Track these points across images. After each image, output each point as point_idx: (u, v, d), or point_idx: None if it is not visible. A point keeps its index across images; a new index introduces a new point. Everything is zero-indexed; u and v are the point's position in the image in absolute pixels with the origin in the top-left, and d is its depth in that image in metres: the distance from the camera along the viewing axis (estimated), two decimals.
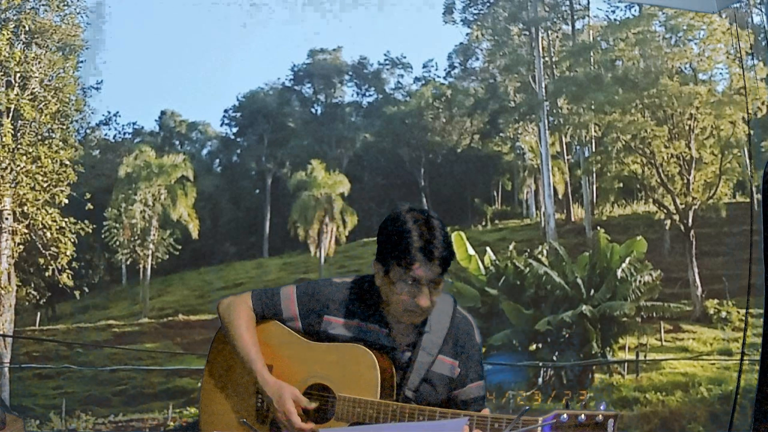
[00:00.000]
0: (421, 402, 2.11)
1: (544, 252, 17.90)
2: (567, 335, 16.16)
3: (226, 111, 29.75)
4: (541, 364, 15.87)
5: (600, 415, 1.95)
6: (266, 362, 2.20)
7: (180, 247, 22.29)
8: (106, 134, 27.06)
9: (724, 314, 17.54)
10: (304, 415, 2.16)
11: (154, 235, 22.24)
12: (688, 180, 18.40)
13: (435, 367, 2.19)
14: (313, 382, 2.17)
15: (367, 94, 30.08)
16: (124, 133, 27.68)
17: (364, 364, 2.10)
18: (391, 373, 2.15)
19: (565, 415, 1.96)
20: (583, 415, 1.94)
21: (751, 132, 19.02)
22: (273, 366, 2.21)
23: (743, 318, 16.65)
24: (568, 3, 23.83)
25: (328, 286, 2.25)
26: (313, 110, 29.79)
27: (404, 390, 2.16)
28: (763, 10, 18.83)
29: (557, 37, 24.09)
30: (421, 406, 2.08)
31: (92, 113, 22.80)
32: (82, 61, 18.20)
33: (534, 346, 16.54)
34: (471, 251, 17.62)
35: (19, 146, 15.72)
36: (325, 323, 2.20)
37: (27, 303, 18.82)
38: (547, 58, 23.37)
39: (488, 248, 18.21)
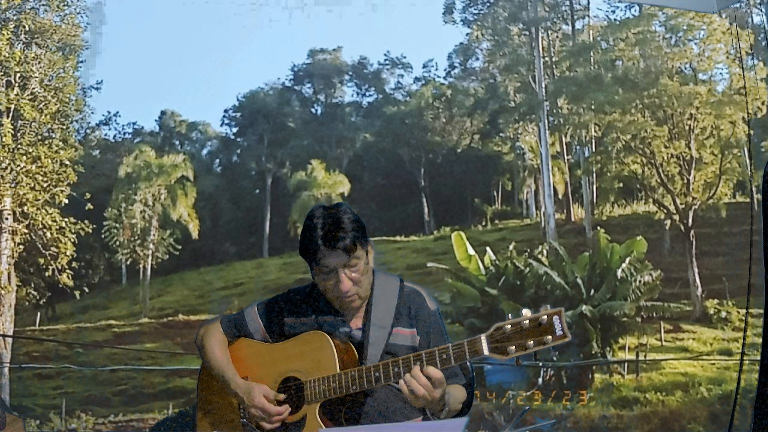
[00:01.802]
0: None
1: (544, 252, 17.90)
2: (570, 337, 16.12)
3: (226, 111, 29.77)
4: (541, 364, 15.86)
5: (544, 316, 1.96)
6: (241, 374, 2.33)
7: (180, 247, 22.28)
8: (106, 134, 27.06)
9: (724, 314, 17.54)
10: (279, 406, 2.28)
11: (154, 235, 22.24)
12: (688, 180, 18.40)
13: (394, 339, 2.29)
14: (284, 377, 2.28)
15: (367, 94, 30.09)
16: (124, 133, 27.68)
17: (320, 345, 2.22)
18: (351, 351, 2.26)
19: (508, 326, 1.97)
20: (526, 321, 1.96)
21: (751, 132, 19.02)
22: (248, 377, 2.34)
23: (743, 318, 16.65)
24: (568, 3, 23.83)
25: (285, 294, 2.44)
26: (313, 110, 29.80)
27: (366, 365, 2.24)
28: (763, 10, 18.82)
29: (557, 37, 24.08)
30: (376, 363, 2.17)
31: (92, 113, 22.83)
32: (82, 61, 18.21)
33: None
34: (471, 251, 17.62)
35: (19, 146, 15.72)
36: (287, 326, 2.35)
37: (27, 303, 18.81)
38: (547, 58, 23.37)
39: (488, 248, 18.21)
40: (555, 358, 15.95)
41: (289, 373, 2.26)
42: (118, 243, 21.88)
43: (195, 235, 22.94)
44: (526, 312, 1.99)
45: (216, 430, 2.36)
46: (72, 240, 16.18)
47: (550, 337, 1.96)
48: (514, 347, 1.98)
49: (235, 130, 29.49)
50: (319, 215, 2.25)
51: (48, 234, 15.99)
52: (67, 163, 16.29)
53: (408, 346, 2.28)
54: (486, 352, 2.02)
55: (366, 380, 2.14)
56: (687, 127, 18.62)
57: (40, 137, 16.24)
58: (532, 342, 1.97)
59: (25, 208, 15.78)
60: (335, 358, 2.19)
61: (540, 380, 15.77)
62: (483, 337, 2.02)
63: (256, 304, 2.43)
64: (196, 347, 2.45)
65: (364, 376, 2.14)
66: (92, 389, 17.67)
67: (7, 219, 15.66)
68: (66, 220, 16.16)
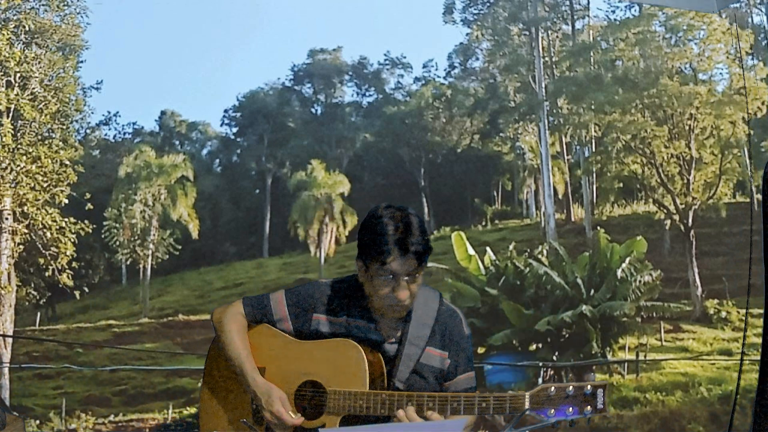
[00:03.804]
0: None
1: (544, 252, 17.90)
2: (567, 335, 16.16)
3: (226, 111, 29.85)
4: (541, 364, 15.86)
5: (588, 386, 1.95)
6: (259, 364, 2.24)
7: (180, 247, 22.30)
8: (106, 134, 27.13)
9: (724, 314, 17.55)
10: (297, 412, 2.19)
11: (154, 235, 22.24)
12: (688, 180, 18.41)
13: (424, 359, 2.22)
14: (305, 380, 2.20)
15: (367, 94, 30.15)
16: (124, 133, 27.75)
17: (352, 357, 2.14)
18: (380, 365, 2.18)
19: (552, 389, 1.97)
20: (571, 388, 1.95)
21: (751, 132, 19.03)
22: (266, 368, 2.24)
23: (743, 318, 16.66)
24: (568, 3, 23.84)
25: (315, 286, 2.32)
26: (313, 110, 29.84)
27: (394, 382, 2.18)
28: (763, 10, 18.85)
29: (557, 37, 24.10)
30: (410, 392, 2.10)
31: (92, 113, 22.88)
32: (82, 61, 18.23)
33: (534, 346, 16.54)
34: (471, 251, 17.61)
35: (19, 146, 15.72)
36: (314, 322, 2.24)
37: (27, 303, 18.82)
38: (547, 58, 23.38)
39: (488, 248, 18.20)
40: (555, 358, 15.96)
41: (311, 377, 2.19)
42: (118, 243, 21.88)
43: (195, 235, 22.95)
44: (572, 379, 2.01)
45: (223, 418, 2.31)
46: (72, 240, 16.16)
47: (590, 408, 1.96)
48: (553, 410, 1.98)
49: (235, 130, 29.55)
50: (390, 216, 2.13)
51: (48, 234, 15.99)
52: (67, 163, 16.29)
53: (437, 368, 2.22)
54: (527, 410, 2.02)
55: (396, 407, 2.07)
56: (687, 127, 18.62)
57: (40, 137, 16.23)
58: (572, 409, 1.97)
59: (25, 208, 15.78)
60: (365, 375, 2.12)
61: (540, 380, 15.77)
62: (527, 395, 2.00)
63: (284, 291, 2.31)
64: (213, 326, 2.31)
65: (395, 403, 2.07)
66: (92, 389, 17.67)
67: (7, 219, 15.66)
68: (66, 220, 16.15)
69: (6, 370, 15.57)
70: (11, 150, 15.61)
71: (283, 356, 2.25)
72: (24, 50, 16.35)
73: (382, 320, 2.22)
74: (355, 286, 2.24)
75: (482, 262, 17.62)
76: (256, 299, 2.32)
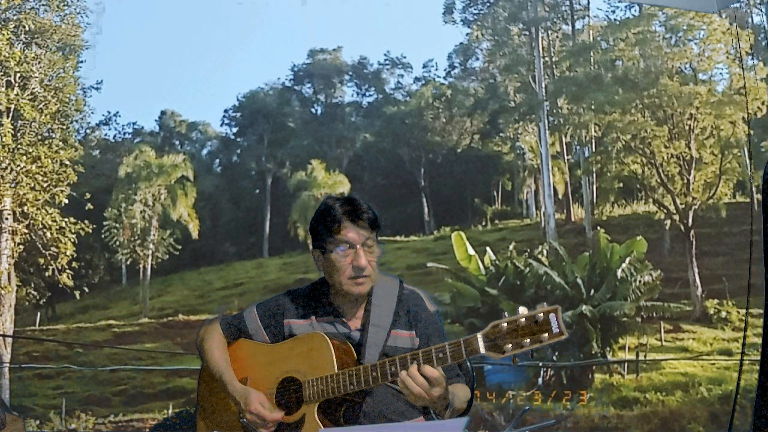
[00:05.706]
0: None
1: (544, 252, 17.89)
2: (567, 335, 16.14)
3: (226, 111, 29.83)
4: (541, 364, 15.85)
5: (540, 313, 1.95)
6: (240, 375, 2.35)
7: (180, 247, 22.30)
8: (106, 134, 27.12)
9: (724, 314, 17.55)
10: (278, 410, 2.29)
11: (154, 235, 22.24)
12: (688, 180, 18.41)
13: (391, 341, 2.29)
14: (283, 377, 2.29)
15: (367, 94, 30.13)
16: (124, 133, 27.74)
17: (318, 344, 2.23)
18: (349, 350, 2.26)
19: (504, 324, 1.97)
20: (523, 319, 1.95)
21: (751, 132, 19.03)
22: (247, 377, 2.35)
23: (743, 318, 16.66)
24: (568, 3, 23.83)
25: (282, 296, 2.45)
26: (313, 110, 29.83)
27: (363, 365, 2.24)
28: (763, 10, 18.83)
29: (557, 37, 24.09)
30: (373, 363, 2.16)
31: (92, 113, 22.87)
32: (82, 61, 18.23)
33: None
34: (471, 251, 17.61)
35: (19, 146, 15.72)
36: (286, 327, 2.36)
37: (27, 303, 18.82)
38: (547, 58, 23.37)
39: (488, 248, 18.20)
40: (555, 358, 15.95)
41: (288, 374, 2.27)
42: (118, 243, 21.88)
43: (195, 235, 22.94)
44: (523, 310, 1.98)
45: (215, 430, 2.36)
46: (72, 240, 16.17)
47: (546, 334, 1.94)
48: (510, 345, 1.97)
49: (235, 130, 29.53)
50: (336, 198, 2.30)
51: (48, 234, 15.99)
52: (67, 163, 16.29)
53: (407, 348, 2.27)
54: (482, 350, 2.00)
55: (363, 380, 2.14)
56: (687, 127, 18.62)
57: (40, 137, 16.24)
58: (528, 340, 1.95)
59: (25, 208, 15.78)
60: (333, 359, 2.19)
61: (540, 380, 15.77)
62: (479, 335, 2.02)
63: (255, 305, 2.44)
64: (196, 347, 2.46)
65: (361, 376, 2.14)
66: (92, 389, 17.67)
67: (7, 219, 15.66)
68: (66, 220, 16.15)
69: (6, 370, 15.58)
70: (11, 150, 15.61)
71: (260, 363, 2.35)
72: (24, 50, 16.35)
73: (346, 308, 2.32)
74: (318, 287, 2.38)
75: (482, 262, 17.62)
76: (232, 317, 2.46)
